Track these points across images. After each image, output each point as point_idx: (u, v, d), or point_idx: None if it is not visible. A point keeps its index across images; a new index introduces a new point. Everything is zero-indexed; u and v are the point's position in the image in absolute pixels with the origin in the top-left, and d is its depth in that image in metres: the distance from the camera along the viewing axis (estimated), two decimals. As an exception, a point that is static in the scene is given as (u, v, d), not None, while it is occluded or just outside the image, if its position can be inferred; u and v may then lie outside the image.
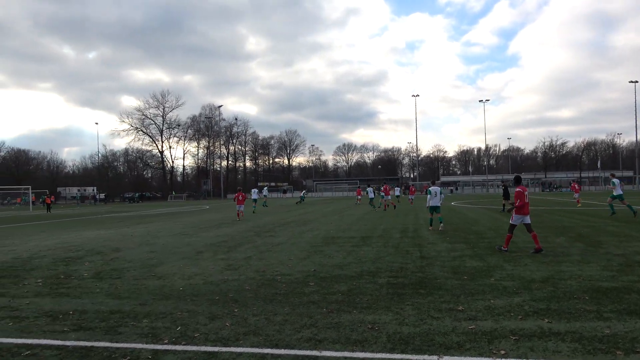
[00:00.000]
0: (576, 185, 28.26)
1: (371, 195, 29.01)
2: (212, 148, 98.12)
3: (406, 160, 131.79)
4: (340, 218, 20.59)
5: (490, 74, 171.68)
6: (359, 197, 37.85)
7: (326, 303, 5.68)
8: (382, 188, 28.25)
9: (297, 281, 7.01)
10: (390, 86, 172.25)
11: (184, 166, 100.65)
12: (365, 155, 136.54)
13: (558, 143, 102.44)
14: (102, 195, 75.85)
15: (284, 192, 67.35)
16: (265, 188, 43.98)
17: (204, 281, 7.20)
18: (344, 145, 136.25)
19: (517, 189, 9.01)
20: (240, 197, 21.43)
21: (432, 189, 14.00)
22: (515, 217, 9.01)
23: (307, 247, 10.82)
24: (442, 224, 14.04)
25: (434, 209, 13.92)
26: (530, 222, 9.13)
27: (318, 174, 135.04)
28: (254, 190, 30.71)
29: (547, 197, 39.72)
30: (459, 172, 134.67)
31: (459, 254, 9.12)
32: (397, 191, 40.47)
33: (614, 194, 17.18)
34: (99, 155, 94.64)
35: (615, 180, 17.31)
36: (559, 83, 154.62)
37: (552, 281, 6.57)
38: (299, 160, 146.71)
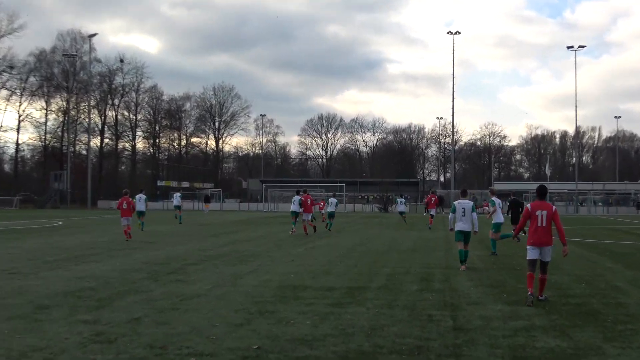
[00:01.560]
0: None
1: (295, 206, 29.71)
2: (73, 113, 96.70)
3: (433, 150, 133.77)
4: (309, 250, 20.55)
5: (587, 2, 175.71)
6: (323, 212, 39.00)
7: (279, 410, 5.65)
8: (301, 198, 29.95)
9: (227, 367, 6.95)
10: (408, 14, 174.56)
11: (17, 144, 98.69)
12: (358, 137, 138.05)
13: None
14: None
15: (207, 200, 66.70)
16: (179, 194, 44.63)
17: (49, 363, 7.07)
18: (320, 118, 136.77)
19: (526, 205, 11.53)
20: (124, 205, 24.87)
21: (459, 203, 15.85)
22: (528, 249, 11.26)
23: (247, 303, 10.75)
24: (465, 263, 15.89)
25: (463, 236, 15.74)
26: (548, 259, 11.21)
27: (271, 168, 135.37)
28: (140, 197, 32.26)
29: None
30: (527, 175, 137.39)
31: (523, 324, 9.23)
32: (400, 205, 41.68)
33: (494, 221, 20.02)
34: None
35: (496, 200, 20.39)
36: None
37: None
38: (237, 141, 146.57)
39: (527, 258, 11.32)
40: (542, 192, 11.59)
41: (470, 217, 15.63)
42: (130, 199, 25.83)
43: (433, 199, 37.98)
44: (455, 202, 15.99)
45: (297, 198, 29.94)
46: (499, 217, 20.13)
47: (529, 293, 10.94)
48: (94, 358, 7.27)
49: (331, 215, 33.60)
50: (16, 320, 9.30)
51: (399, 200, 43.20)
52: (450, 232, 16.87)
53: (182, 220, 40.81)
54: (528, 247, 11.25)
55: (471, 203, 15.94)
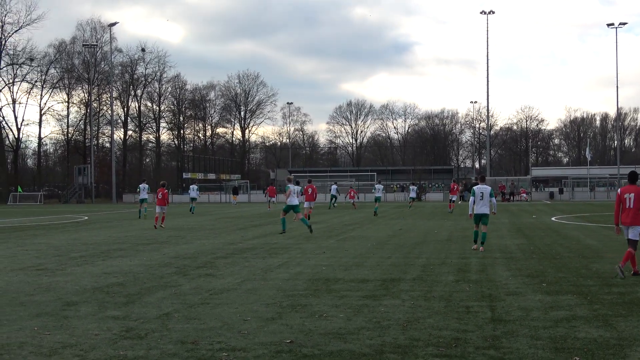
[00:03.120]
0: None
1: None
2: (95, 105, 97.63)
3: (467, 136, 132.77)
4: (341, 242, 20.65)
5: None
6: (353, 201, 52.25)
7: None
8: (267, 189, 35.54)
9: (259, 362, 7.03)
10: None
11: (40, 138, 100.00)
12: (389, 124, 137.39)
13: None
14: None
15: (235, 192, 67.18)
16: (194, 186, 48.32)
17: (80, 360, 7.22)
18: (348, 104, 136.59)
19: (617, 190, 13.19)
20: (160, 195, 29.27)
21: (478, 188, 18.02)
22: (622, 229, 12.89)
23: (279, 297, 10.86)
24: (482, 245, 17.78)
25: (480, 219, 17.84)
26: (636, 238, 12.45)
27: (299, 157, 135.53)
28: (143, 187, 36.84)
29: None
30: (566, 160, 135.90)
31: (564, 315, 9.23)
32: (412, 192, 48.09)
33: (288, 203, 24.41)
34: None
35: (291, 186, 24.77)
36: None
37: None
38: (264, 131, 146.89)
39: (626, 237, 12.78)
40: (632, 177, 12.85)
41: (488, 201, 17.76)
42: (165, 190, 29.83)
43: (455, 186, 43.92)
44: (475, 187, 18.13)
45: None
46: (292, 200, 24.11)
47: (619, 265, 12.54)
48: (125, 354, 7.38)
49: (377, 199, 40.73)
50: (45, 317, 9.47)
51: (412, 187, 48.33)
52: (470, 218, 18.46)
53: (194, 210, 44.93)
54: (622, 227, 12.81)
55: (489, 188, 18.10)
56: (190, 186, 50.33)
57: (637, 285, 11.69)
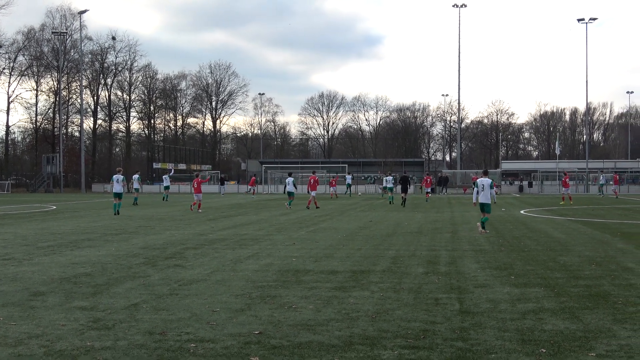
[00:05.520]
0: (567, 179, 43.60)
1: (290, 187, 37.96)
2: (65, 93, 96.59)
3: (438, 129, 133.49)
4: (311, 233, 20.70)
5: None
6: (333, 189, 55.64)
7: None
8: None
9: (228, 354, 7.03)
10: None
11: (7, 126, 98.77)
12: (360, 116, 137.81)
13: None
14: None
15: (223, 182, 67.60)
16: (166, 176, 51.47)
17: (46, 351, 7.15)
18: (320, 96, 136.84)
19: None
20: (195, 185, 33.45)
21: (480, 181, 20.80)
22: None
23: (248, 288, 10.86)
24: (484, 227, 20.39)
25: (483, 206, 20.59)
26: None
27: (270, 148, 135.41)
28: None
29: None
30: (536, 153, 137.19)
31: (532, 307, 9.33)
32: (388, 182, 47.62)
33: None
34: None
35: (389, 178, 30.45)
36: None
37: (701, 360, 6.79)
38: (235, 121, 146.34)
39: None
40: None
41: (489, 192, 20.57)
42: (199, 179, 33.85)
43: (428, 179, 49.11)
44: (478, 180, 21.10)
45: (290, 179, 38.06)
46: (117, 188, 31.16)
47: None
48: (92, 345, 7.36)
49: (390, 189, 44.72)
50: (11, 307, 9.41)
51: (386, 179, 48.17)
52: (474, 206, 22.16)
53: (167, 198, 49.63)
54: None
55: (490, 180, 20.76)
56: (163, 177, 53.06)
57: (603, 278, 11.85)
